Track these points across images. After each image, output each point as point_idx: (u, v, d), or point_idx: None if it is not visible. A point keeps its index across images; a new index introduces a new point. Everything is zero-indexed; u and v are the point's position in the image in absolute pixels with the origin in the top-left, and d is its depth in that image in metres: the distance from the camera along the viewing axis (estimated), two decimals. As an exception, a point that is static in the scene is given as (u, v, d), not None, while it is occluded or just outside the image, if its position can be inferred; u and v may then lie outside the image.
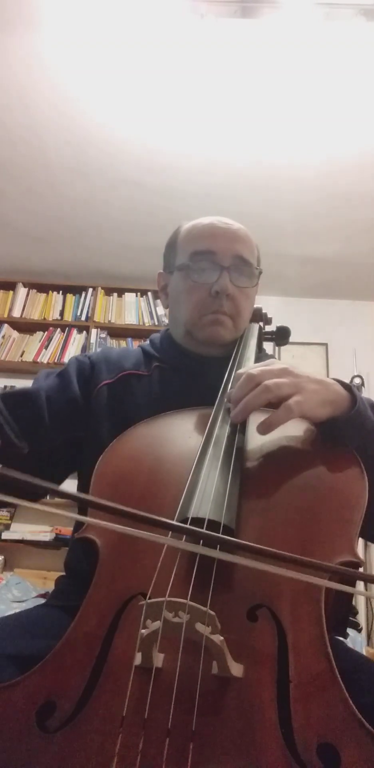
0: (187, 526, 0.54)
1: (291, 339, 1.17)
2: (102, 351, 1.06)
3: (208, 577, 0.53)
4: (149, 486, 0.69)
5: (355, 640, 2.14)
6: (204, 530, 0.53)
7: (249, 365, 0.88)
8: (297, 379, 0.71)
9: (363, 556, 2.95)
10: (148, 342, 1.09)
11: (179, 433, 0.80)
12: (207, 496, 0.60)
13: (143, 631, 0.45)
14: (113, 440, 0.79)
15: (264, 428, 0.68)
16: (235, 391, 0.72)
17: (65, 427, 0.91)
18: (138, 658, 0.47)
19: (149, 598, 0.48)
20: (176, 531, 0.49)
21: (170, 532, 0.50)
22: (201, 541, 0.49)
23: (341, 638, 0.72)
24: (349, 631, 0.79)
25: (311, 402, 0.70)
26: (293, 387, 0.69)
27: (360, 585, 2.93)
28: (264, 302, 1.12)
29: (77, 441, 0.92)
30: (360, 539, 0.65)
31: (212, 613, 0.45)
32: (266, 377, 0.70)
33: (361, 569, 0.58)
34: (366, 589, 2.92)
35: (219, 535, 0.49)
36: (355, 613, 2.65)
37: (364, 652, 2.33)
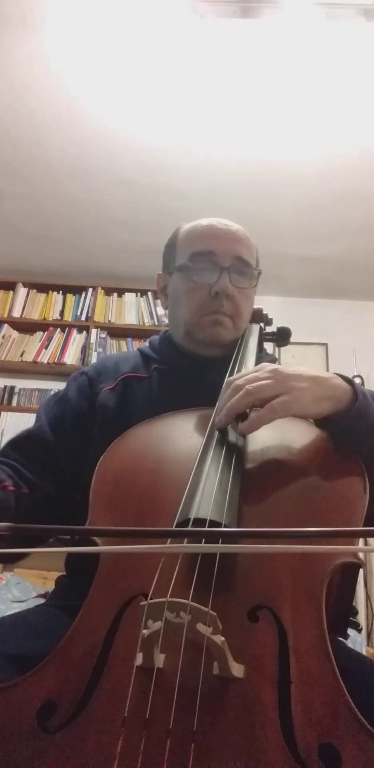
0: (186, 529, 0.54)
1: (291, 339, 1.18)
2: (98, 361, 1.06)
3: (210, 578, 0.53)
4: (150, 487, 0.69)
5: (355, 640, 2.13)
6: (205, 528, 0.53)
7: (248, 367, 0.88)
8: (285, 379, 0.70)
9: (363, 556, 2.95)
10: (146, 344, 1.09)
11: (180, 434, 0.80)
12: (208, 496, 0.60)
13: (144, 631, 0.45)
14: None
15: (245, 427, 0.68)
16: (222, 399, 0.73)
17: (78, 448, 0.91)
18: (139, 659, 0.47)
19: (150, 599, 0.48)
20: (175, 536, 0.49)
21: (167, 547, 0.50)
22: (203, 540, 0.49)
23: (341, 639, 0.72)
24: (349, 631, 0.79)
25: (301, 401, 0.69)
26: (278, 388, 0.68)
27: (360, 584, 2.94)
28: (264, 302, 1.12)
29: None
30: (361, 539, 0.65)
31: (213, 613, 0.45)
32: (249, 382, 0.69)
33: (361, 570, 0.58)
34: (366, 585, 2.92)
35: (221, 529, 0.49)
36: (355, 613, 2.65)
37: (364, 652, 2.33)
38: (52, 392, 1.07)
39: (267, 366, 0.74)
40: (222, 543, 0.51)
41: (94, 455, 0.76)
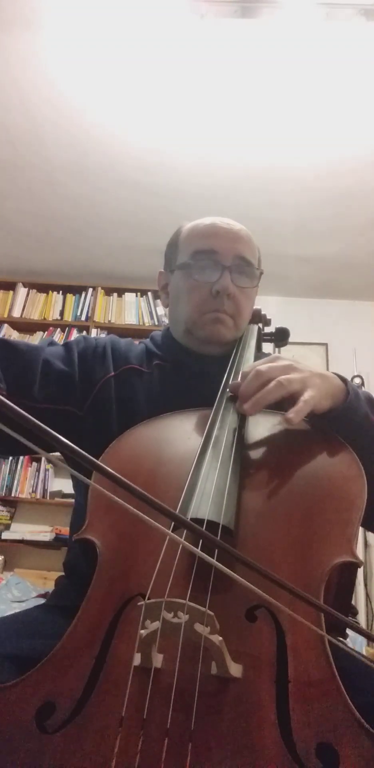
0: (189, 521, 0.54)
1: (291, 339, 1.18)
2: (110, 338, 1.04)
3: (207, 578, 0.53)
4: (148, 487, 0.68)
5: (355, 640, 2.13)
6: (204, 530, 0.52)
7: (252, 364, 0.88)
8: (302, 374, 0.73)
9: (363, 557, 2.95)
10: (149, 339, 1.09)
11: (178, 434, 0.80)
12: (207, 496, 0.60)
13: (142, 631, 0.45)
14: (118, 434, 0.79)
15: (296, 416, 0.68)
16: (245, 385, 0.73)
17: (54, 394, 0.89)
18: (137, 659, 0.47)
19: (148, 599, 0.48)
20: (178, 521, 0.48)
21: (169, 533, 0.49)
22: (201, 542, 0.49)
23: (341, 639, 0.72)
24: (349, 631, 0.79)
25: (318, 396, 0.72)
26: (301, 383, 0.71)
27: (360, 584, 2.94)
28: (264, 302, 1.12)
29: (66, 415, 0.90)
30: (361, 537, 0.65)
31: (211, 613, 0.45)
32: (275, 374, 0.71)
33: (361, 570, 0.58)
34: (366, 585, 2.92)
35: (222, 542, 0.49)
36: (355, 613, 2.65)
37: (364, 652, 2.33)
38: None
39: (281, 359, 0.76)
40: (219, 550, 0.51)
41: (89, 445, 0.75)
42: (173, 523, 0.57)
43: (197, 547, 0.49)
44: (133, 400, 0.94)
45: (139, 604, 0.47)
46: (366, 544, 2.96)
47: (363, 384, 3.34)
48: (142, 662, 0.47)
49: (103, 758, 0.42)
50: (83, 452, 0.39)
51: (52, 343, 0.97)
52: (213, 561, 0.44)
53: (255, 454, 0.73)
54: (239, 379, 0.78)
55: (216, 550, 0.52)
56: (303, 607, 0.52)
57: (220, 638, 0.44)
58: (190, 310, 0.97)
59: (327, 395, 0.75)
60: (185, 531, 0.56)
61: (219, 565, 0.43)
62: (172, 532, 0.55)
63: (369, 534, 2.91)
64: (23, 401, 0.84)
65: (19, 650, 0.63)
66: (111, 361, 0.98)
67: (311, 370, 0.75)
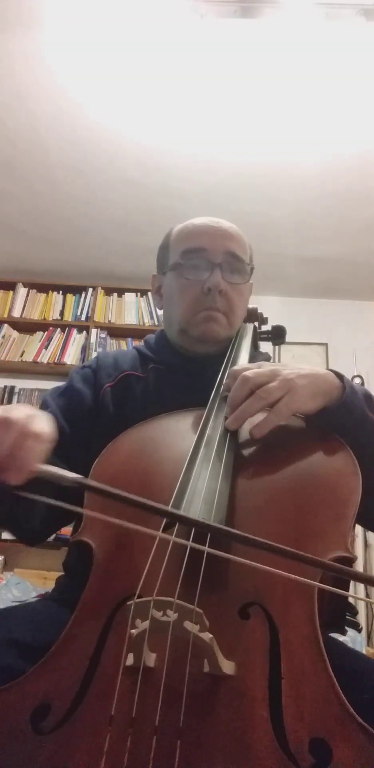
0: (181, 513, 0.54)
1: (292, 339, 1.18)
2: (98, 356, 1.06)
3: (197, 576, 0.53)
4: (143, 488, 0.69)
5: (355, 640, 2.13)
6: (198, 519, 0.52)
7: (243, 363, 0.88)
8: (286, 379, 0.73)
9: (363, 557, 2.94)
10: (143, 343, 1.09)
11: (173, 435, 0.80)
12: (198, 495, 0.60)
13: (132, 631, 0.45)
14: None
15: (258, 431, 0.71)
16: (232, 392, 0.74)
17: (88, 439, 0.90)
18: (130, 658, 0.47)
19: (138, 598, 0.48)
20: (169, 516, 0.49)
21: (160, 531, 0.50)
22: (192, 534, 0.49)
23: (340, 637, 0.72)
24: (349, 631, 0.79)
25: (301, 399, 0.72)
26: (283, 389, 0.71)
27: (360, 585, 2.93)
28: (264, 302, 1.12)
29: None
30: (361, 537, 0.65)
31: (199, 610, 0.44)
32: (258, 381, 0.72)
33: (355, 566, 0.58)
34: (366, 592, 2.91)
35: (211, 523, 0.49)
36: (355, 613, 2.64)
37: (364, 652, 2.32)
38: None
39: (267, 365, 0.77)
40: (210, 539, 0.50)
41: (94, 454, 0.76)
42: (164, 522, 0.57)
43: (189, 542, 0.49)
44: (131, 405, 0.94)
45: (128, 603, 0.47)
46: (366, 544, 2.95)
47: (363, 384, 3.34)
48: (135, 662, 0.47)
49: (92, 757, 0.42)
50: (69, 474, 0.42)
51: (53, 397, 0.97)
52: (206, 548, 0.44)
53: (248, 452, 0.73)
54: (226, 377, 0.79)
55: (207, 547, 0.52)
56: (297, 601, 0.52)
57: (210, 636, 0.44)
58: (183, 309, 0.98)
59: (317, 395, 0.74)
60: (176, 528, 0.56)
61: (212, 551, 0.43)
62: (164, 530, 0.55)
63: (369, 534, 2.90)
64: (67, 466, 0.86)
65: (23, 638, 0.63)
66: (104, 373, 0.99)
67: (299, 372, 0.75)
